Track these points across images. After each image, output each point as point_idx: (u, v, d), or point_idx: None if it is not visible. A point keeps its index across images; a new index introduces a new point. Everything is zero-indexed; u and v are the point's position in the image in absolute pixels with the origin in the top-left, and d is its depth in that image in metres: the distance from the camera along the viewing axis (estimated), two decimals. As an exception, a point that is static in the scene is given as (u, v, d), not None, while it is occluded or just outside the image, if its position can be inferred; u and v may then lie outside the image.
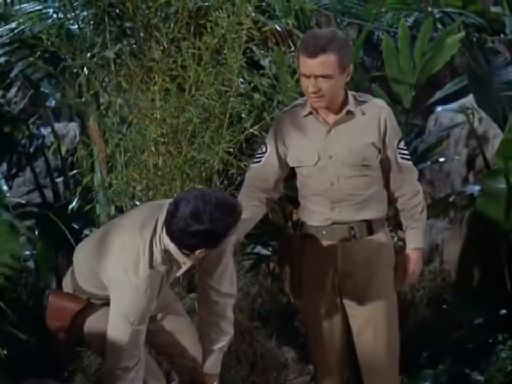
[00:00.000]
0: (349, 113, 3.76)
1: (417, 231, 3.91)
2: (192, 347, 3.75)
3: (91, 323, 3.64)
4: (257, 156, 3.90)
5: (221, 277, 3.65)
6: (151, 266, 3.40)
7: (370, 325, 3.85)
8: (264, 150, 3.87)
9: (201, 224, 3.29)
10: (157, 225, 3.44)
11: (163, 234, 3.41)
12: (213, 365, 3.76)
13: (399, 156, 3.83)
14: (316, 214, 3.81)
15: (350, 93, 3.80)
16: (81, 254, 3.68)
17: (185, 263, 3.47)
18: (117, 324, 3.45)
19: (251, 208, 3.80)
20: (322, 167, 3.75)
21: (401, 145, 3.85)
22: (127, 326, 3.41)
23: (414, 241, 3.91)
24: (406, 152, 3.88)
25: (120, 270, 3.41)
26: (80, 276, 3.64)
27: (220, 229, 3.33)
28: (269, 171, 3.85)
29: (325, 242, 3.81)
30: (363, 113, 3.77)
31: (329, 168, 3.75)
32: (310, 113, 3.78)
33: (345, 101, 3.75)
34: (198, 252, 3.38)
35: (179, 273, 3.55)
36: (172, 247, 3.41)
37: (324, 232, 3.81)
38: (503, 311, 5.05)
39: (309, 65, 3.62)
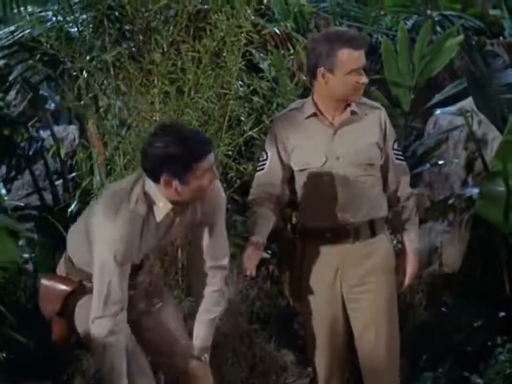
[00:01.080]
0: (353, 113, 3.77)
1: (412, 232, 3.92)
2: (182, 339, 3.70)
3: (80, 305, 3.60)
4: (260, 164, 3.89)
5: (213, 249, 3.65)
6: (130, 208, 3.41)
7: (372, 326, 3.84)
8: (265, 157, 3.86)
9: (162, 138, 3.32)
10: (139, 177, 3.47)
11: (145, 178, 3.44)
12: (203, 336, 3.71)
13: (394, 156, 3.85)
14: (319, 215, 3.81)
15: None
16: (74, 235, 3.67)
17: (164, 205, 3.45)
18: (101, 264, 3.43)
19: (266, 211, 3.81)
20: (330, 168, 3.75)
21: (396, 146, 3.88)
22: (111, 264, 3.40)
23: (411, 242, 3.91)
24: (401, 153, 3.92)
25: (102, 216, 3.42)
26: (75, 255, 3.62)
27: (180, 146, 3.30)
28: (273, 177, 3.83)
29: (328, 244, 3.80)
30: (366, 114, 3.79)
31: (336, 169, 3.75)
32: (314, 114, 3.78)
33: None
34: (164, 176, 3.34)
35: (159, 218, 3.49)
36: (148, 184, 3.43)
37: (327, 234, 3.81)
38: (502, 314, 5.04)
39: (361, 56, 3.67)
